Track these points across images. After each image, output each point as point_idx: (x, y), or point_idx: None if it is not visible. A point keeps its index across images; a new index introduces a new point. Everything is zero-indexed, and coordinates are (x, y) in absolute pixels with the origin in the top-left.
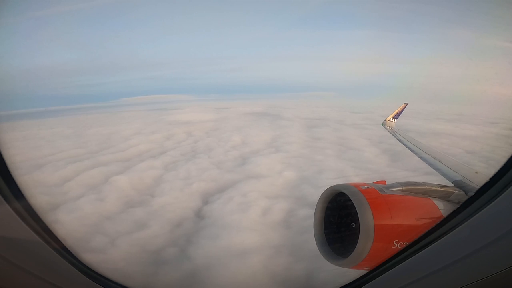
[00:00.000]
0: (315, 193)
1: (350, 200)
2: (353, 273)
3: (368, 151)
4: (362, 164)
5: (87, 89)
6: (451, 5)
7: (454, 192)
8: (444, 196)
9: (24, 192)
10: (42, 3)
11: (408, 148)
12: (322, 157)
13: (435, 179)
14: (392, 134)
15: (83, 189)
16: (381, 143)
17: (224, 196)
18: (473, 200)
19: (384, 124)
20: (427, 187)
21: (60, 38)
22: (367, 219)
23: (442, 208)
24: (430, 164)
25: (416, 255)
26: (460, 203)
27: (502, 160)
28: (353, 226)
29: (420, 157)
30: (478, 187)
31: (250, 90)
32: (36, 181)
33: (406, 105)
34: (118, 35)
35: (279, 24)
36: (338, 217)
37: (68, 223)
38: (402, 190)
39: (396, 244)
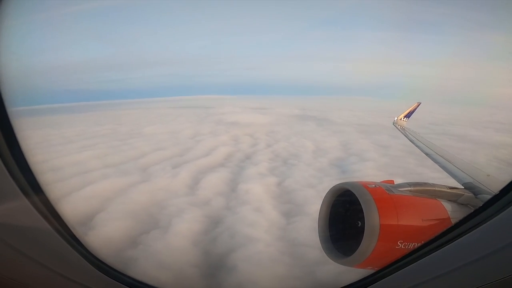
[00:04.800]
0: None
1: (356, 198)
2: (356, 273)
3: None
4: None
5: (104, 85)
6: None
7: (463, 194)
8: (453, 198)
9: (42, 185)
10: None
11: (419, 148)
12: (409, 165)
13: (444, 180)
14: (403, 133)
15: (224, 198)
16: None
17: None
18: (487, 206)
19: (395, 123)
20: (436, 188)
21: (82, 34)
22: (372, 218)
23: (450, 210)
24: (440, 165)
25: (426, 257)
26: (470, 206)
27: None
28: (358, 225)
29: (431, 158)
30: (488, 190)
31: (272, 91)
32: (162, 189)
33: (419, 104)
34: (127, 34)
35: (299, 25)
36: (344, 215)
37: (260, 240)
38: (410, 191)
39: (400, 245)
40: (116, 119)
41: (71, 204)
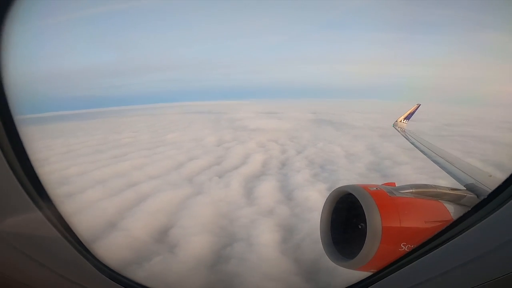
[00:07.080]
0: None
1: (358, 201)
2: (358, 275)
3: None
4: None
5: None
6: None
7: (465, 195)
8: (455, 199)
9: (49, 192)
10: (77, 5)
11: (420, 150)
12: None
13: (446, 182)
14: (403, 136)
15: (286, 206)
16: (470, 153)
17: None
18: (484, 203)
19: (395, 125)
20: (437, 190)
21: (85, 40)
22: (374, 221)
23: (453, 212)
24: (442, 166)
25: (425, 256)
26: (471, 206)
27: None
28: (360, 228)
29: (432, 160)
30: (491, 191)
31: (278, 94)
32: (221, 200)
33: (418, 106)
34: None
35: (301, 28)
36: (346, 218)
37: None
38: (412, 193)
39: (404, 247)
40: (130, 126)
41: (139, 220)
